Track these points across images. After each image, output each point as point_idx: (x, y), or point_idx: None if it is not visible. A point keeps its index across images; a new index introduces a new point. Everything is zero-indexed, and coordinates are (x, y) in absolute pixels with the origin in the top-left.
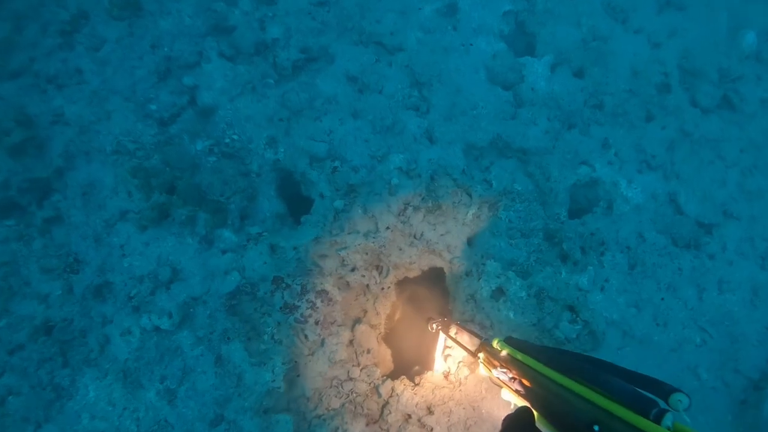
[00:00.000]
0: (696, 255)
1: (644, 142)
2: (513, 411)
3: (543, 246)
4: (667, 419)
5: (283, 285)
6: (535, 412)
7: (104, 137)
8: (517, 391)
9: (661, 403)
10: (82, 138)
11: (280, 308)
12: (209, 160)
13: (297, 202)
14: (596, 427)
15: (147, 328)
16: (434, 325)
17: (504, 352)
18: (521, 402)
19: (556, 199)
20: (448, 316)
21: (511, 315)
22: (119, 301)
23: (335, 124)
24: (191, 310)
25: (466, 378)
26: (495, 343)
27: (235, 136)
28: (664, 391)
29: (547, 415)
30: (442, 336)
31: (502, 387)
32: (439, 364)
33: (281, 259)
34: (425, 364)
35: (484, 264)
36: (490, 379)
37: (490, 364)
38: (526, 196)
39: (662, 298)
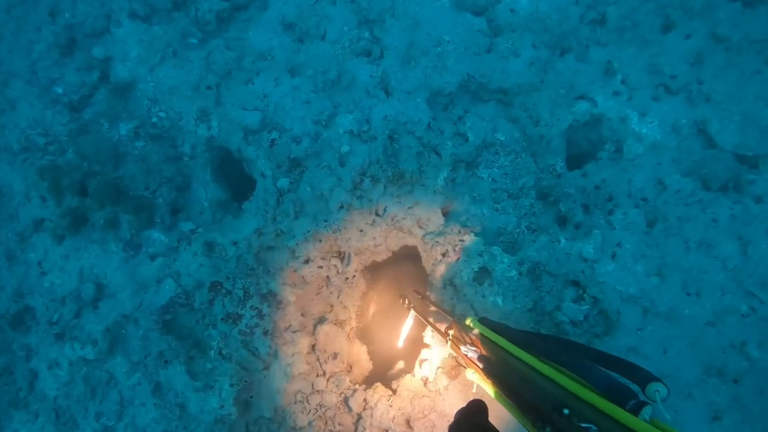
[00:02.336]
0: (736, 199)
1: (661, 59)
2: (466, 404)
3: (536, 207)
4: (645, 412)
5: (223, 291)
6: (493, 390)
7: (10, 132)
8: (483, 370)
9: (641, 394)
10: None
11: (222, 319)
12: (137, 146)
13: (241, 184)
14: (566, 411)
15: (73, 359)
16: (406, 301)
17: (476, 331)
18: (486, 384)
19: (548, 148)
20: (423, 294)
21: (500, 301)
22: (42, 329)
23: (270, 85)
24: (122, 330)
25: (446, 387)
26: (468, 321)
27: (162, 113)
28: (641, 378)
29: (512, 395)
30: (412, 313)
31: (467, 367)
32: (402, 341)
33: (220, 258)
34: (409, 357)
35: (462, 240)
36: (456, 359)
37: (459, 342)
38: (511, 147)
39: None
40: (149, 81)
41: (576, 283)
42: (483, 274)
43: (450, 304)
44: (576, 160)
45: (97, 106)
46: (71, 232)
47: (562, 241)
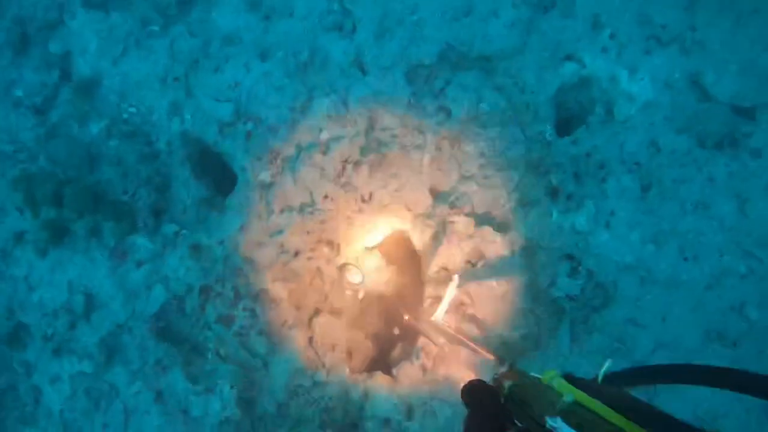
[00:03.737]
0: (733, 155)
1: (651, 7)
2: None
3: (526, 180)
4: None
5: (213, 294)
6: None
7: None
8: None
9: None
10: None
11: (215, 322)
12: (111, 146)
13: (223, 178)
14: None
15: (72, 373)
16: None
17: (567, 399)
18: None
19: (537, 115)
20: (418, 313)
21: (494, 283)
22: (38, 345)
23: (240, 72)
24: (118, 340)
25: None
26: (548, 379)
27: (133, 109)
28: None
29: None
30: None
31: None
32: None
33: (207, 259)
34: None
35: (453, 222)
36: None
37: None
38: (498, 117)
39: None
40: (114, 75)
41: (570, 257)
42: (475, 254)
43: (444, 290)
44: (566, 126)
45: (63, 106)
46: (53, 244)
47: (555, 214)
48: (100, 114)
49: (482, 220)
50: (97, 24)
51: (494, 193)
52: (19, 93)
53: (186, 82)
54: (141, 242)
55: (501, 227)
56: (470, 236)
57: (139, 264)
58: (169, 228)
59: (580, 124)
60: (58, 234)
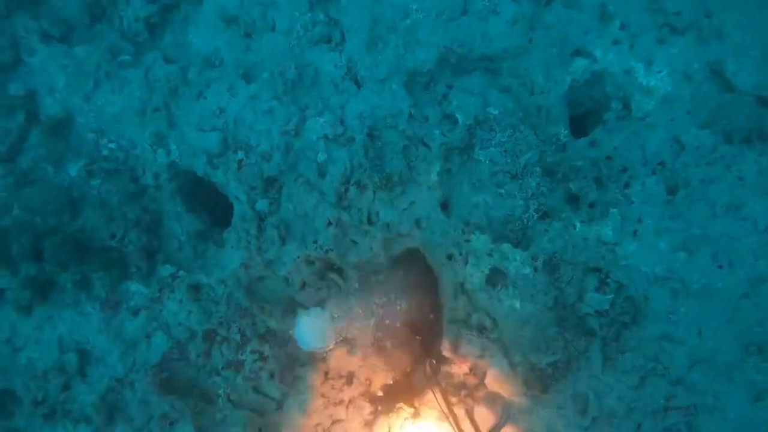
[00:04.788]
0: (763, 150)
1: None
2: None
3: (544, 186)
4: None
5: (218, 338)
6: None
7: None
8: None
9: None
10: None
11: (223, 368)
12: (93, 185)
13: (217, 207)
14: None
15: None
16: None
17: None
18: None
19: (549, 117)
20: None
21: (517, 304)
22: (27, 411)
23: (224, 97)
24: (119, 396)
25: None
26: None
27: (113, 144)
28: None
29: None
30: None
31: None
32: None
33: (209, 301)
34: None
35: (468, 240)
36: None
37: None
38: (507, 120)
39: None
40: (88, 111)
41: (597, 270)
42: (495, 275)
43: (464, 313)
44: (581, 126)
45: (34, 150)
46: (38, 301)
47: (578, 225)
48: (77, 153)
49: (500, 235)
50: (62, 59)
51: (511, 204)
52: None
53: (167, 111)
54: (135, 288)
55: (521, 242)
56: (488, 254)
57: (134, 312)
58: (165, 270)
59: (596, 123)
60: (42, 289)
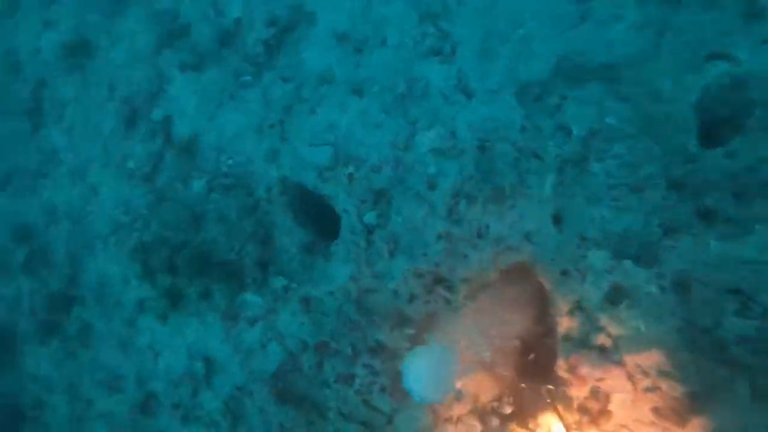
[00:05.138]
0: None
1: None
2: None
3: (669, 201)
4: None
5: (330, 350)
6: None
7: (97, 219)
8: None
9: None
10: (78, 230)
11: (335, 381)
12: (212, 199)
13: (324, 220)
14: None
15: None
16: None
17: None
18: None
19: (677, 126)
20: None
21: (641, 326)
22: (168, 412)
23: (335, 113)
24: (240, 404)
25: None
26: None
27: (230, 161)
28: None
29: None
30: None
31: None
32: None
33: (319, 313)
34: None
35: (585, 256)
36: None
37: None
38: (626, 130)
39: None
40: (211, 131)
41: (737, 291)
42: (616, 293)
43: (582, 332)
44: (714, 137)
45: (169, 170)
46: (171, 310)
47: (712, 243)
48: (201, 171)
49: (620, 251)
50: (193, 85)
51: (630, 219)
52: (131, 165)
53: (281, 128)
54: (251, 299)
55: (644, 259)
56: (608, 271)
57: (251, 322)
58: (278, 281)
59: (731, 132)
60: (174, 299)
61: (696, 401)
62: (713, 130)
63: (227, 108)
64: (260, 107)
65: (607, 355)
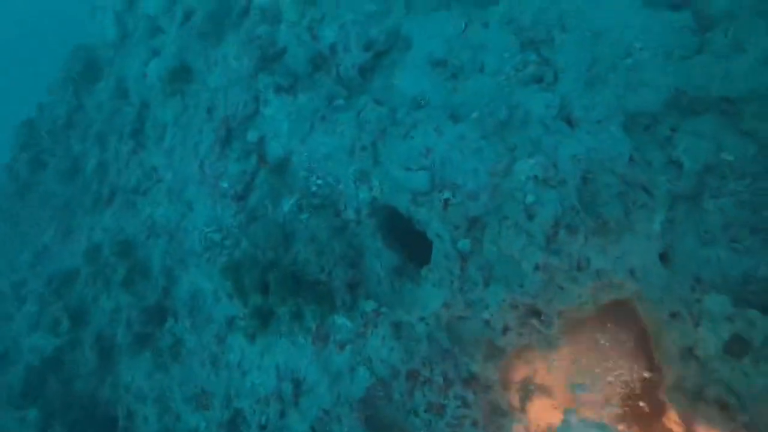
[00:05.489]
0: None
1: None
2: None
3: None
4: None
5: (421, 379)
6: None
7: (191, 235)
8: None
9: None
10: (174, 245)
11: (425, 411)
12: (302, 219)
13: (412, 243)
14: None
15: None
16: None
17: None
18: None
19: None
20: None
21: None
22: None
23: (431, 137)
24: (326, 428)
25: None
26: None
27: (320, 181)
28: None
29: None
30: None
31: None
32: None
33: (410, 338)
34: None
35: (699, 300)
36: None
37: None
38: (745, 168)
39: None
40: (303, 152)
41: None
42: (738, 344)
43: (695, 383)
44: None
45: (259, 189)
46: (261, 330)
47: None
48: (290, 190)
49: (741, 298)
50: (288, 107)
51: (750, 260)
52: (225, 184)
53: (374, 150)
54: (341, 322)
55: None
56: (728, 319)
57: (341, 345)
58: (368, 305)
59: None
60: (264, 318)
61: None
62: None
63: (319, 130)
64: (353, 129)
65: (730, 414)
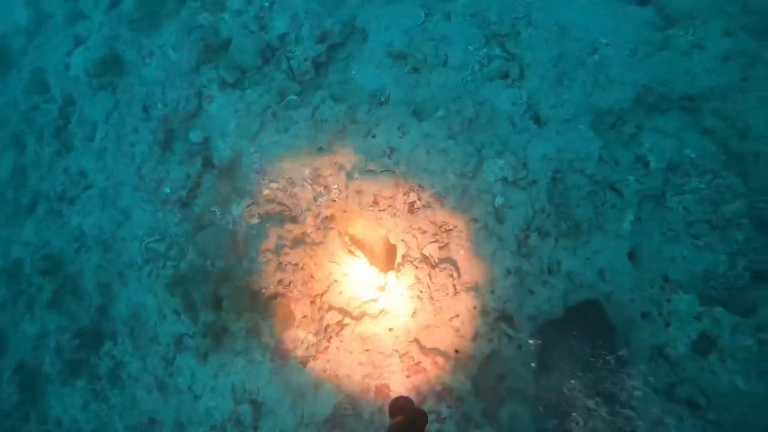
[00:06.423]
0: None
1: None
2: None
3: (754, 241)
4: None
5: (391, 394)
6: None
7: (130, 245)
8: None
9: None
10: (109, 258)
11: None
12: (253, 224)
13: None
14: None
15: None
16: None
17: None
18: None
19: (765, 163)
20: None
21: (739, 381)
22: None
23: (394, 136)
24: None
25: None
26: None
27: (274, 184)
28: None
29: None
30: None
31: None
32: None
33: (378, 351)
34: None
35: (669, 300)
36: None
37: None
38: (706, 164)
39: None
40: (253, 153)
41: None
42: (705, 342)
43: (666, 383)
44: None
45: (206, 195)
46: (214, 348)
47: None
48: (240, 194)
49: (706, 295)
50: (235, 103)
51: (711, 256)
52: (166, 190)
53: (330, 150)
54: (303, 336)
55: (736, 305)
56: (696, 318)
57: (303, 361)
58: (331, 317)
59: None
60: (217, 336)
61: None
62: None
63: (270, 128)
64: (308, 127)
65: (699, 413)
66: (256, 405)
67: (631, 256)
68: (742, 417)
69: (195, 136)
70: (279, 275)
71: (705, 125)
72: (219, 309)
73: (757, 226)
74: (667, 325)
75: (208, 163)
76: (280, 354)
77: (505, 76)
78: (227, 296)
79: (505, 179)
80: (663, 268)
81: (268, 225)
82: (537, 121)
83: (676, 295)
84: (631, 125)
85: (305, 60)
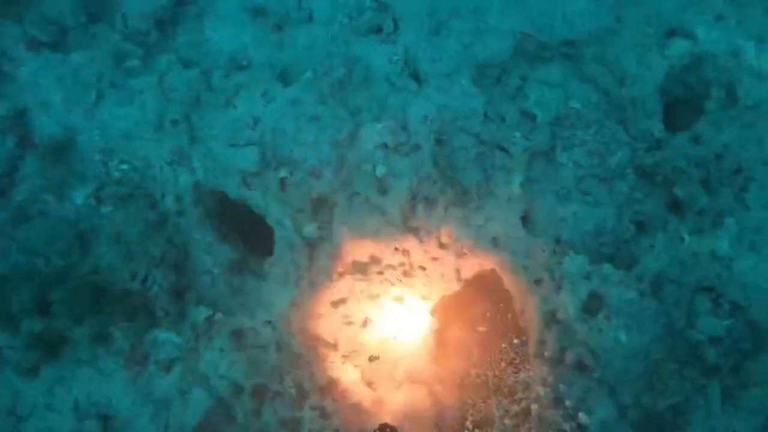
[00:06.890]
0: None
1: None
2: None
3: (639, 192)
4: None
5: (270, 393)
6: None
7: None
8: None
9: None
10: None
11: (278, 428)
12: (105, 213)
13: (252, 231)
14: None
15: None
16: None
17: None
18: None
19: (643, 108)
20: None
21: (623, 336)
22: None
23: (258, 104)
24: None
25: None
26: None
27: (124, 166)
28: None
29: None
30: None
31: None
32: None
33: (255, 347)
34: None
35: (560, 263)
36: None
37: None
38: (591, 114)
39: None
40: (92, 129)
41: (710, 290)
42: (594, 301)
43: (559, 347)
44: (677, 119)
45: (30, 180)
46: (47, 360)
47: (686, 237)
48: (82, 178)
49: (596, 253)
50: (57, 68)
51: (600, 211)
52: None
53: (188, 125)
54: (165, 337)
55: (621, 262)
56: (586, 278)
57: (166, 366)
58: (199, 312)
59: (690, 115)
60: (51, 346)
61: (680, 417)
62: (677, 112)
63: (110, 100)
64: (157, 99)
65: (587, 372)
66: (106, 420)
67: (524, 220)
68: (623, 369)
69: (1, 109)
70: (132, 268)
71: (587, 72)
72: (46, 314)
73: (640, 175)
74: (559, 288)
75: (27, 141)
76: (135, 359)
77: (379, 29)
78: (61, 299)
79: (385, 146)
80: (555, 231)
81: (121, 212)
82: (416, 78)
83: (567, 257)
84: (516, 77)
85: (144, 17)
